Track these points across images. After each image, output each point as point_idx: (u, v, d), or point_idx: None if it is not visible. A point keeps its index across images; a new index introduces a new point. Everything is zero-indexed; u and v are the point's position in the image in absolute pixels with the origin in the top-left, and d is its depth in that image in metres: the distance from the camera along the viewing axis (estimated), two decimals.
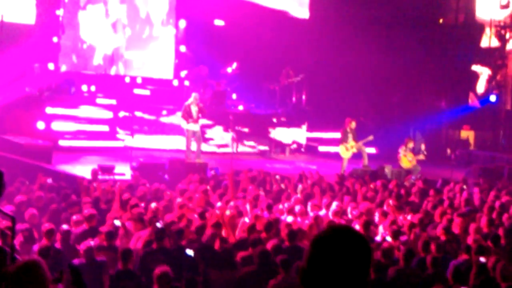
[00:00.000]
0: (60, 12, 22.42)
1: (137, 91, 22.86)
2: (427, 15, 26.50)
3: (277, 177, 15.42)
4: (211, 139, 21.63)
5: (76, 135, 19.77)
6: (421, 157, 19.49)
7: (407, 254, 8.71)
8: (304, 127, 23.18)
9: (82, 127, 19.96)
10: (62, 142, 19.20)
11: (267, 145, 22.44)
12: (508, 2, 25.83)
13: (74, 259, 8.69)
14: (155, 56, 24.17)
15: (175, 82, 23.98)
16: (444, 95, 27.14)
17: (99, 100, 21.28)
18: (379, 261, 8.68)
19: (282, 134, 22.73)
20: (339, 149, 19.27)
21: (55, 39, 22.16)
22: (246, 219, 10.65)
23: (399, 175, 18.41)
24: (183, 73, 23.91)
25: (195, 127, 17.86)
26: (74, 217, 10.10)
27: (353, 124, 19.13)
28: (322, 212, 11.67)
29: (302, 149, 23.10)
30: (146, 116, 21.47)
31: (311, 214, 11.44)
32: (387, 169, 18.74)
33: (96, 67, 23.24)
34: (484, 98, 26.41)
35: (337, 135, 20.12)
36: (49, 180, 13.42)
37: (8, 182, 11.25)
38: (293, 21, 25.56)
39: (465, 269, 8.54)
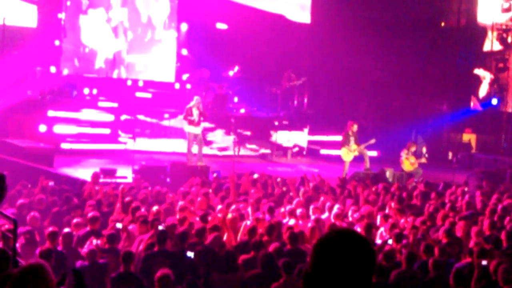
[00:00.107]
0: (62, 15, 22.47)
1: (138, 94, 22.90)
2: (429, 19, 26.52)
3: (278, 179, 15.42)
4: (213, 142, 21.63)
5: (78, 138, 19.78)
6: (423, 160, 19.50)
7: (409, 257, 8.70)
8: (306, 130, 23.18)
9: (84, 130, 19.97)
10: (64, 145, 19.21)
11: (269, 148, 22.44)
12: (510, 6, 25.84)
13: (76, 261, 8.71)
14: (157, 59, 24.20)
15: (177, 85, 24.00)
16: (446, 98, 27.13)
17: (101, 103, 21.30)
18: (381, 264, 8.68)
19: (284, 137, 22.72)
20: (341, 152, 19.26)
21: (57, 43, 22.20)
22: (248, 222, 10.64)
23: (401, 178, 18.40)
24: (184, 76, 23.94)
25: (196, 130, 17.87)
26: (75, 220, 10.10)
27: (355, 127, 19.12)
28: (324, 216, 11.67)
29: (304, 152, 23.10)
30: (148, 119, 21.49)
31: (312, 217, 11.44)
32: (389, 172, 18.72)
33: (98, 70, 23.28)
34: (486, 101, 26.40)
35: (338, 138, 20.10)
36: (51, 183, 13.42)
37: (10, 185, 11.25)
38: (295, 25, 25.59)
39: (467, 272, 8.53)
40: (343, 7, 25.06)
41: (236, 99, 24.27)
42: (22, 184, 12.95)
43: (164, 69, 24.32)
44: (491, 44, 26.36)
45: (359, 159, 19.20)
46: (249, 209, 11.55)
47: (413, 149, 19.40)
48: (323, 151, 23.01)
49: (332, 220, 11.09)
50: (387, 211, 12.10)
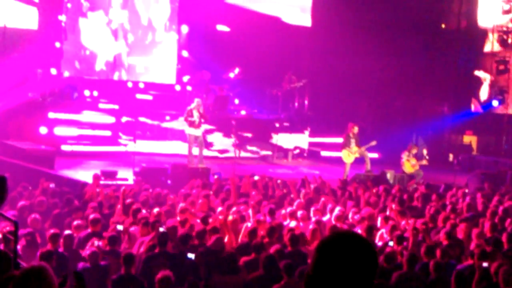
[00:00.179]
0: (62, 17, 22.49)
1: (139, 96, 22.90)
2: (429, 21, 26.51)
3: (279, 181, 15.42)
4: (214, 144, 21.63)
5: (78, 140, 19.78)
6: (424, 162, 19.48)
7: (410, 259, 8.70)
8: (307, 132, 23.18)
9: (85, 132, 19.98)
10: (65, 147, 19.21)
11: (270, 150, 22.44)
12: (511, 7, 25.84)
13: (77, 263, 8.71)
14: (158, 61, 24.21)
15: (178, 87, 24.01)
16: (447, 100, 27.12)
17: (102, 105, 21.32)
18: (382, 266, 8.68)
19: (285, 139, 22.72)
20: (342, 154, 19.26)
21: (57, 45, 22.22)
22: (249, 224, 10.64)
23: (401, 180, 18.40)
24: (185, 78, 23.95)
25: (197, 132, 17.87)
26: (75, 222, 10.10)
27: (356, 129, 19.12)
28: (325, 218, 11.67)
29: (305, 154, 23.09)
30: (149, 121, 21.49)
31: (313, 219, 11.44)
32: (390, 174, 18.72)
33: (99, 72, 23.29)
34: (486, 103, 26.40)
35: (339, 140, 20.11)
36: (52, 185, 13.42)
37: (11, 187, 11.25)
38: (295, 26, 25.59)
39: (468, 274, 8.53)
40: (344, 9, 25.05)
41: (237, 101, 24.28)
42: (22, 186, 12.95)
43: (165, 71, 24.33)
44: (491, 46, 26.36)
45: (360, 161, 19.20)
46: (250, 211, 11.55)
47: (414, 151, 19.42)
48: (324, 153, 23.01)
49: (333, 222, 11.09)
50: (388, 213, 12.09)
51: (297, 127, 23.23)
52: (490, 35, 26.45)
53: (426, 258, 9.19)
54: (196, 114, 17.75)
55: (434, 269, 8.66)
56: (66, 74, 22.56)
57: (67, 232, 9.49)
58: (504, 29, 25.96)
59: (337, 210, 11.67)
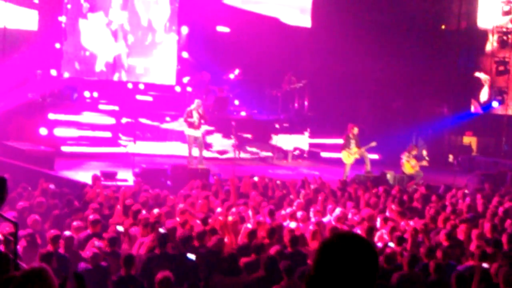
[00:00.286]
0: (62, 18, 22.49)
1: (139, 97, 22.90)
2: (429, 22, 26.53)
3: (278, 182, 15.42)
4: (213, 145, 21.63)
5: (78, 141, 19.78)
6: (424, 163, 19.49)
7: (411, 260, 8.70)
8: (307, 133, 23.18)
9: (85, 133, 19.98)
10: (65, 148, 19.21)
11: (270, 151, 22.43)
12: (510, 8, 25.85)
13: (78, 264, 8.71)
14: (158, 62, 24.21)
15: (178, 88, 24.01)
16: (447, 101, 27.14)
17: (102, 106, 21.32)
18: (382, 266, 8.68)
19: (285, 140, 22.72)
20: (342, 155, 19.27)
21: (57, 45, 22.22)
22: (249, 225, 10.64)
23: (401, 181, 18.40)
24: (185, 79, 23.94)
25: (196, 133, 17.87)
26: (75, 223, 10.10)
27: (356, 130, 19.13)
28: (326, 219, 11.67)
29: (305, 155, 23.09)
30: (149, 122, 21.49)
31: (313, 219, 11.44)
32: (390, 175, 18.72)
33: (99, 73, 23.28)
34: (486, 104, 26.41)
35: (339, 141, 20.11)
36: (52, 186, 13.42)
37: (11, 188, 11.25)
38: (295, 27, 25.59)
39: (469, 275, 8.53)
40: (344, 10, 25.06)
41: (236, 102, 24.28)
42: (22, 187, 12.95)
43: (165, 72, 24.33)
44: (491, 46, 26.38)
45: (360, 162, 19.20)
46: (250, 212, 11.54)
47: (414, 152, 19.42)
48: (324, 154, 23.00)
49: (333, 223, 11.09)
50: (387, 213, 12.09)
51: (297, 128, 23.23)
52: (490, 36, 26.47)
53: (426, 259, 9.19)
54: (195, 115, 17.75)
55: (434, 270, 8.66)
56: (66, 75, 22.56)
57: (67, 233, 9.48)
58: (504, 30, 25.99)
59: (337, 211, 11.67)
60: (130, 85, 23.35)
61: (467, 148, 26.33)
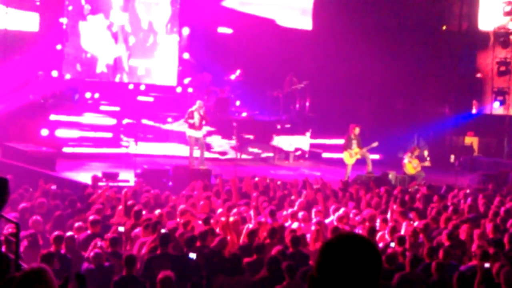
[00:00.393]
0: (63, 20, 22.50)
1: (140, 98, 22.91)
2: (430, 23, 26.51)
3: (279, 183, 15.42)
4: (215, 146, 21.63)
5: (80, 142, 19.80)
6: (427, 163, 19.48)
7: (412, 260, 8.69)
8: (308, 133, 23.18)
9: (86, 134, 20.00)
10: (66, 149, 19.23)
11: (271, 152, 22.43)
12: (511, 9, 25.84)
13: (80, 264, 8.71)
14: (159, 64, 24.21)
15: (179, 89, 24.01)
16: (448, 101, 27.13)
17: (103, 107, 21.34)
18: (383, 266, 8.66)
19: (286, 140, 22.72)
20: (343, 156, 19.27)
21: (59, 47, 22.24)
22: (250, 226, 10.64)
23: (403, 182, 18.39)
24: (186, 80, 23.95)
25: (197, 134, 17.88)
26: (76, 224, 10.11)
27: (357, 130, 19.13)
28: (328, 220, 11.66)
29: (306, 156, 23.09)
30: (150, 123, 21.50)
31: (314, 220, 11.43)
32: (391, 176, 18.72)
33: (100, 75, 23.29)
34: (487, 105, 26.40)
35: (341, 141, 20.12)
36: (53, 187, 13.43)
37: (12, 189, 11.28)
38: (296, 29, 25.58)
39: (471, 275, 8.52)
40: (345, 11, 25.05)
41: (238, 103, 24.28)
42: (24, 188, 12.96)
43: (166, 73, 24.33)
44: (492, 47, 26.37)
45: (361, 162, 19.19)
46: (251, 212, 11.55)
47: (416, 153, 19.42)
48: (325, 155, 23.01)
49: (335, 223, 11.09)
50: (389, 214, 12.08)
51: (298, 128, 23.23)
52: (491, 36, 26.46)
53: (428, 259, 9.18)
54: (197, 116, 17.75)
55: (436, 270, 8.65)
56: (68, 76, 22.57)
57: (69, 233, 9.49)
58: (505, 30, 25.98)
59: (341, 211, 11.67)
60: (131, 86, 23.36)
61: (468, 149, 26.32)
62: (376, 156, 20.65)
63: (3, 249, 6.51)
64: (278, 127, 22.76)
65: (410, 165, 19.16)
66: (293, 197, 13.61)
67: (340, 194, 14.51)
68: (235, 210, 11.53)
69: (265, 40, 23.77)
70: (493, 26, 26.30)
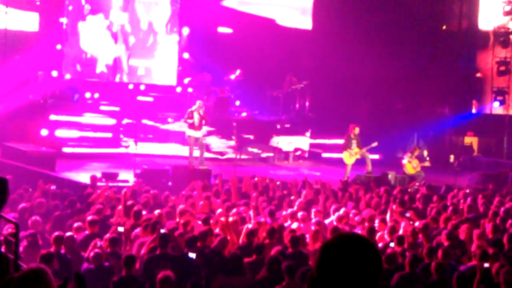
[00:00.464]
0: (64, 20, 22.50)
1: (140, 98, 22.90)
2: (430, 22, 26.51)
3: (278, 183, 15.42)
4: (214, 146, 21.63)
5: (79, 142, 19.80)
6: (427, 164, 19.48)
7: (412, 260, 8.69)
8: (308, 133, 23.18)
9: (86, 134, 20.00)
10: (66, 149, 19.23)
11: (271, 152, 22.43)
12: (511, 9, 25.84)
13: (79, 264, 8.72)
14: (159, 64, 24.21)
15: (179, 89, 24.00)
16: (448, 101, 27.13)
17: (103, 107, 21.32)
18: (383, 266, 8.65)
19: (286, 140, 22.72)
20: (343, 156, 19.27)
21: (58, 47, 22.23)
22: (250, 226, 10.64)
23: (403, 182, 18.40)
24: (186, 80, 23.94)
25: (197, 134, 17.88)
26: (75, 224, 10.11)
27: (357, 130, 19.14)
28: (328, 220, 11.66)
29: (306, 156, 23.09)
30: (150, 123, 21.49)
31: (313, 220, 11.43)
32: (391, 176, 18.73)
33: (100, 75, 23.28)
34: (487, 104, 26.40)
35: (340, 141, 20.12)
36: (53, 187, 13.43)
37: (12, 189, 11.27)
38: (296, 29, 25.58)
39: (470, 275, 8.53)
40: (344, 11, 25.05)
41: (237, 103, 24.27)
42: (24, 188, 12.96)
43: (166, 73, 24.32)
44: (492, 47, 26.37)
45: (361, 162, 19.20)
46: (251, 213, 11.55)
47: (416, 153, 19.43)
48: (325, 155, 23.01)
49: (335, 223, 11.09)
50: (389, 214, 12.08)
51: (298, 128, 23.23)
52: (491, 36, 26.46)
53: (427, 259, 9.18)
54: (196, 116, 17.76)
55: (435, 270, 8.65)
56: (67, 76, 22.56)
57: (68, 234, 9.49)
58: (505, 30, 25.98)
59: (341, 211, 11.67)
60: (131, 86, 23.35)
61: (468, 149, 26.31)
62: (375, 156, 20.65)
63: (3, 249, 6.51)
64: (278, 127, 22.76)
65: (410, 165, 19.17)
66: (292, 197, 13.62)
67: (339, 194, 14.51)
68: (234, 210, 11.53)
69: (265, 40, 23.76)
70: (493, 25, 26.31)
